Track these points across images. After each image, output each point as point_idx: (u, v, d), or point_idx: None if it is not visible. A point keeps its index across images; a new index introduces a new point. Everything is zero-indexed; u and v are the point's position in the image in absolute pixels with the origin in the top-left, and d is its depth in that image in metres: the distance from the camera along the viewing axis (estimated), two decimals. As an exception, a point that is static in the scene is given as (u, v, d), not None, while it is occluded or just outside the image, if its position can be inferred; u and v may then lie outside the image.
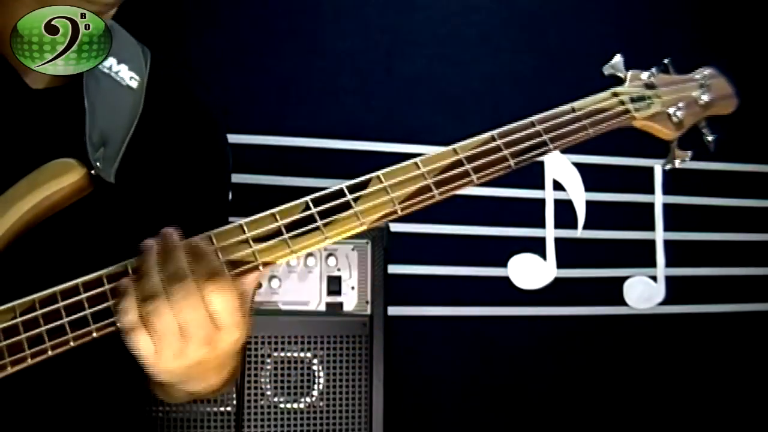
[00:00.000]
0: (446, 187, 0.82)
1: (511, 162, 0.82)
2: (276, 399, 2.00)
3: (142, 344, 0.75)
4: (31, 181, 0.85)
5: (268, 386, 2.00)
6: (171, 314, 0.74)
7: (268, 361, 1.99)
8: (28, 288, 0.80)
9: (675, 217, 2.63)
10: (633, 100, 0.91)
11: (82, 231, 0.94)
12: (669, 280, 2.39)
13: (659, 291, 2.33)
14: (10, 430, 0.89)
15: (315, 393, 1.99)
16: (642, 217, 2.57)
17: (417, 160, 0.82)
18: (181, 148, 1.06)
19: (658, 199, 2.41)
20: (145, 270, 0.76)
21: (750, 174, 2.92)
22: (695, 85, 0.98)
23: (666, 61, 0.93)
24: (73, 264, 0.86)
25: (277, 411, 2.01)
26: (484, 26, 2.82)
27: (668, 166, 0.95)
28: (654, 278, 2.40)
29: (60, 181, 0.85)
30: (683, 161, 0.94)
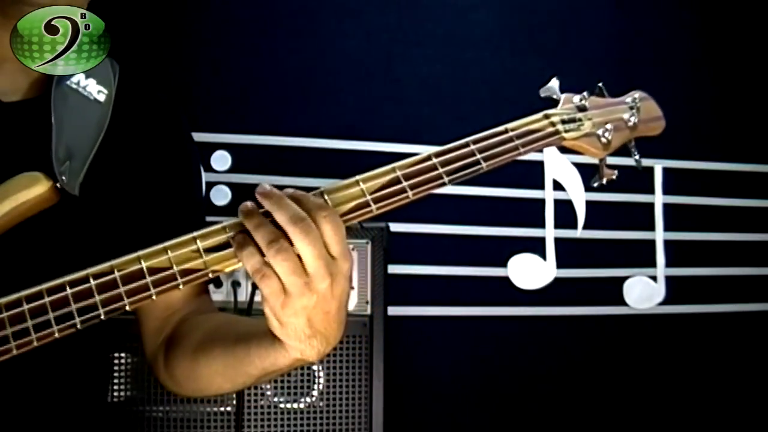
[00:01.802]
0: (382, 203, 0.88)
1: (446, 179, 0.89)
2: (276, 399, 2.00)
3: (270, 285, 0.81)
4: (0, 192, 0.89)
5: (268, 386, 2.00)
6: (293, 251, 0.79)
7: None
8: None
9: (675, 217, 2.64)
10: (564, 122, 0.96)
11: (47, 241, 0.98)
12: (669, 280, 2.40)
13: (659, 291, 2.34)
14: None
15: (315, 393, 1.99)
16: (642, 217, 2.58)
17: (358, 177, 0.89)
18: (146, 157, 1.08)
19: (658, 199, 2.42)
20: (260, 220, 0.81)
21: (750, 174, 2.92)
22: (625, 107, 1.03)
23: (600, 84, 0.99)
24: (38, 272, 0.89)
25: (277, 411, 2.01)
26: (484, 26, 2.83)
27: (596, 183, 1.02)
28: (654, 278, 2.40)
29: (26, 193, 0.90)
30: (610, 179, 1.00)
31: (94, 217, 1.03)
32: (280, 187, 0.83)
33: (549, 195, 2.21)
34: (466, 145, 0.91)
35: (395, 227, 2.32)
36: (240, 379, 0.96)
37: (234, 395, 1.98)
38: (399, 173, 0.89)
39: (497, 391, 2.75)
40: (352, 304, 1.98)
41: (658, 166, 2.62)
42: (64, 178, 0.95)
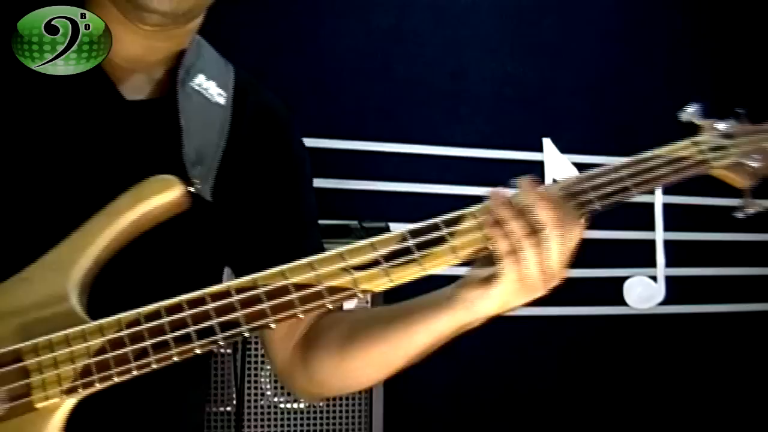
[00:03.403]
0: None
1: (597, 205, 0.88)
2: (276, 399, 2.00)
3: (516, 270, 0.82)
4: (133, 196, 0.86)
5: (268, 386, 2.00)
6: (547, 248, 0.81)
7: (268, 360, 1.99)
8: (125, 299, 0.82)
9: (675, 217, 2.64)
10: (711, 150, 0.95)
11: (178, 247, 0.96)
12: (669, 280, 2.40)
13: (659, 291, 2.34)
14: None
15: (315, 393, 1.99)
16: (642, 217, 2.58)
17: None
18: (265, 163, 1.06)
19: (658, 199, 2.42)
20: (517, 210, 0.83)
21: (750, 174, 2.92)
22: None
23: (740, 110, 0.98)
24: (168, 278, 0.89)
25: (277, 411, 2.01)
26: (484, 27, 2.83)
27: (741, 215, 0.99)
28: (654, 278, 2.40)
29: (162, 197, 0.86)
30: (758, 210, 0.98)
31: (224, 224, 1.01)
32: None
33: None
34: (616, 169, 0.90)
35: (395, 227, 2.32)
36: (393, 364, 0.94)
37: (234, 395, 1.98)
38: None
39: (497, 390, 2.75)
40: (351, 304, 1.97)
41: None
42: (197, 182, 0.93)
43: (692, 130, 0.98)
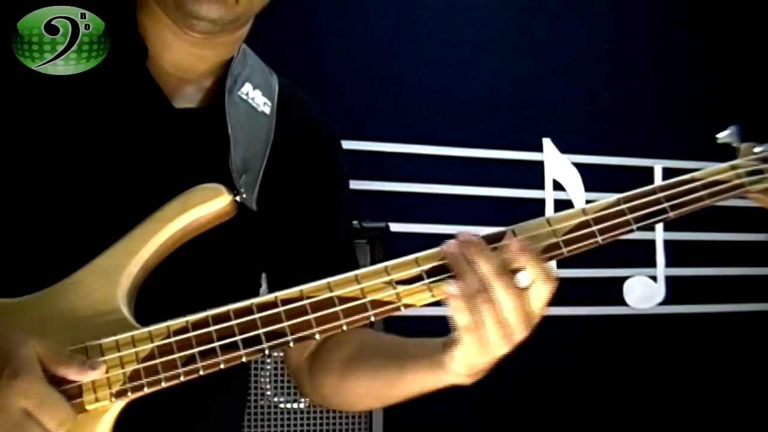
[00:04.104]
0: (573, 246, 0.88)
1: (634, 226, 0.91)
2: (276, 399, 2.00)
3: (476, 331, 0.80)
4: (182, 203, 0.87)
5: (268, 386, 2.00)
6: (498, 303, 0.80)
7: (268, 361, 1.99)
8: (170, 305, 0.83)
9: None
10: (749, 174, 0.96)
11: (222, 254, 0.97)
12: (669, 280, 2.39)
13: (659, 291, 2.33)
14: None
15: (315, 393, 1.99)
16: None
17: (548, 217, 0.89)
18: (306, 175, 1.07)
19: (658, 199, 2.42)
20: (466, 267, 0.81)
21: (750, 174, 2.92)
22: None
23: None
24: (211, 284, 0.91)
25: (277, 411, 2.01)
26: (484, 26, 2.83)
27: None
28: (654, 278, 2.40)
29: (209, 205, 0.87)
30: None
31: (266, 233, 1.02)
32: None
33: (549, 195, 2.21)
34: (653, 192, 0.91)
35: (395, 227, 2.32)
36: (387, 400, 0.96)
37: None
38: (590, 217, 0.89)
39: (497, 390, 2.75)
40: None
41: (658, 166, 2.62)
42: (243, 191, 0.94)
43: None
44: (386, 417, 2.09)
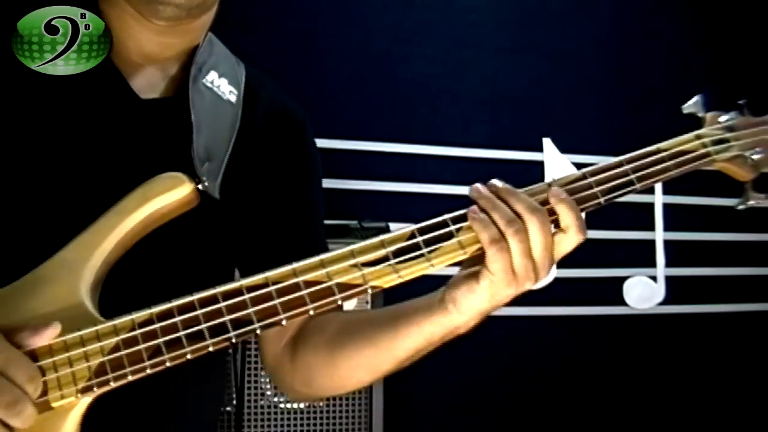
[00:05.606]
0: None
1: (601, 199, 0.88)
2: (276, 399, 2.00)
3: (503, 259, 0.82)
4: (143, 194, 0.86)
5: (268, 386, 2.00)
6: (529, 235, 0.82)
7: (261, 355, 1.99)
8: (135, 297, 0.82)
9: (675, 217, 2.64)
10: (714, 143, 0.94)
11: (186, 244, 0.96)
12: (669, 280, 2.39)
13: (659, 291, 2.33)
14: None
15: (315, 393, 1.99)
16: (642, 217, 2.58)
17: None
18: (275, 162, 1.06)
19: (658, 199, 2.42)
20: (497, 201, 0.83)
21: (750, 174, 2.92)
22: None
23: (741, 102, 0.97)
24: (177, 276, 0.89)
25: (277, 411, 2.01)
26: (484, 26, 2.83)
27: (741, 207, 0.99)
28: (654, 278, 2.39)
29: (171, 195, 0.86)
30: (758, 203, 0.98)
31: (231, 222, 1.01)
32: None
33: (549, 195, 2.21)
34: (620, 164, 0.90)
35: (395, 227, 2.31)
36: (381, 367, 0.94)
37: (234, 395, 1.98)
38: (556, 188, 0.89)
39: (497, 390, 2.75)
40: (351, 305, 1.98)
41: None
42: (205, 179, 0.93)
43: (693, 123, 0.98)
44: (386, 417, 2.09)
